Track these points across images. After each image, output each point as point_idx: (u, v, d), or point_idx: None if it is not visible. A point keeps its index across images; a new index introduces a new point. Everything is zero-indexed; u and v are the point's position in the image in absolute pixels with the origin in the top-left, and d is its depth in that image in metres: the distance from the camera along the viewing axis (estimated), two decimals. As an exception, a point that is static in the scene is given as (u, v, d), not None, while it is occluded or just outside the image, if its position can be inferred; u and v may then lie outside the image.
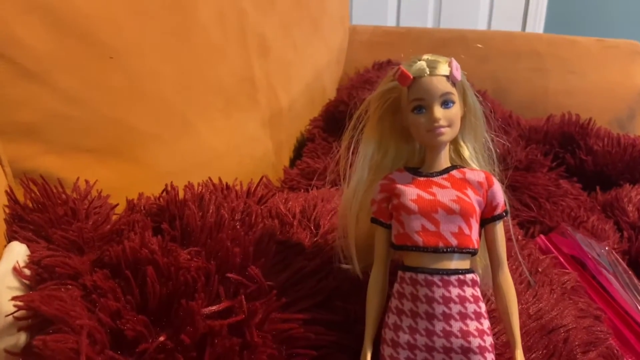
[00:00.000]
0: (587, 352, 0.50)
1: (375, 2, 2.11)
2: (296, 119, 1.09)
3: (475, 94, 0.42)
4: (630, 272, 0.71)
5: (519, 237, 0.64)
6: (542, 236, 0.74)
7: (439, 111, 0.39)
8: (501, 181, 0.42)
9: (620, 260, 0.73)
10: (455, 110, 0.39)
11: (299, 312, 0.42)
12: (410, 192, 0.39)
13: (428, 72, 0.39)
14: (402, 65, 0.40)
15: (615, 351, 0.54)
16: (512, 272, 0.53)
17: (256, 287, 0.42)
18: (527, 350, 0.46)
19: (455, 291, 0.37)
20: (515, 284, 0.51)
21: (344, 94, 1.11)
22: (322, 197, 0.59)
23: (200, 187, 0.55)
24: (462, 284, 0.38)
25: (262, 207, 0.53)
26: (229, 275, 0.42)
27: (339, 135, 1.11)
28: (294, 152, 1.08)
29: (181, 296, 0.40)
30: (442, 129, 0.39)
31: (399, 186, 0.40)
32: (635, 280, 0.70)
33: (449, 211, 0.38)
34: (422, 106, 0.39)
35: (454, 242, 0.38)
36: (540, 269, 0.57)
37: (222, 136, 0.79)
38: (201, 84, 0.75)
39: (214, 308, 0.40)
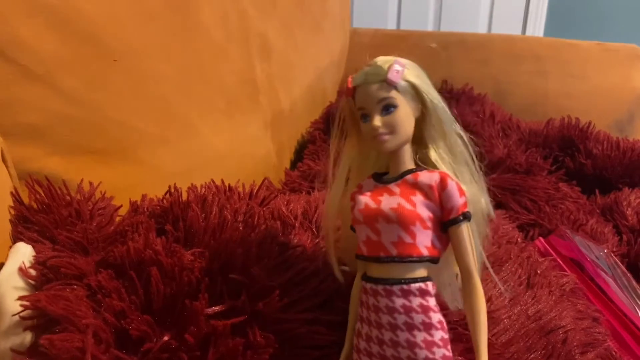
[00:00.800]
0: (586, 352, 0.50)
1: (376, 4, 2.11)
2: (297, 121, 1.10)
3: (435, 92, 0.40)
4: (629, 275, 0.71)
5: (519, 239, 0.65)
6: (541, 239, 0.75)
7: (377, 119, 0.38)
8: (485, 178, 0.41)
9: (619, 263, 0.73)
10: (400, 114, 0.38)
11: (301, 313, 0.43)
12: (361, 201, 0.39)
13: (364, 79, 0.38)
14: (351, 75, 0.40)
15: (614, 352, 0.54)
16: (512, 274, 0.54)
17: (259, 288, 0.42)
18: (526, 350, 0.47)
19: (399, 301, 0.36)
20: (514, 286, 0.52)
21: (345, 96, 1.11)
22: (323, 199, 0.59)
23: (203, 189, 0.55)
24: (406, 294, 0.37)
25: (264, 208, 0.54)
26: (232, 275, 0.42)
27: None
28: (295, 153, 1.09)
29: (185, 296, 0.41)
30: (384, 137, 0.38)
31: (357, 195, 0.40)
32: (634, 283, 0.70)
33: (388, 220, 0.37)
34: (366, 114, 0.39)
35: (393, 251, 0.37)
36: (539, 271, 0.57)
37: (224, 137, 0.80)
38: (203, 85, 0.76)
39: (217, 308, 0.41)
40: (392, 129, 0.38)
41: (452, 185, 0.38)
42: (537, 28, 2.16)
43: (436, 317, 0.37)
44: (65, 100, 0.54)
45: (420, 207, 0.37)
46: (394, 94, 0.38)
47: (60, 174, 0.54)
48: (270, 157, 0.95)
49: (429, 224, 0.38)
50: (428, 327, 0.36)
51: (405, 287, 0.37)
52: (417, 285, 0.37)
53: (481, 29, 2.17)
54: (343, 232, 0.44)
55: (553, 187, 0.91)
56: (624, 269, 0.72)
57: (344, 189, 0.43)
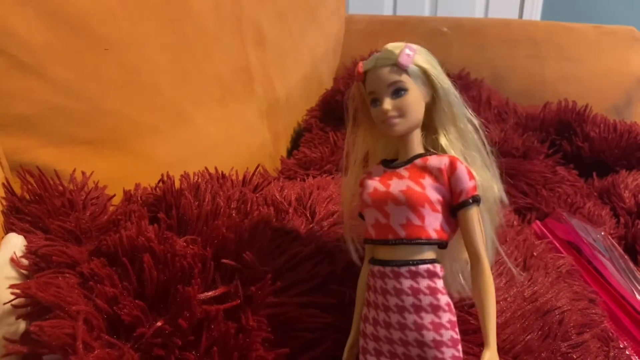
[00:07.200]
0: (582, 333, 0.50)
1: (372, -10, 2.10)
2: (293, 109, 1.09)
3: (445, 77, 0.40)
4: (626, 257, 0.71)
5: (514, 222, 0.64)
6: (537, 222, 0.74)
7: (387, 102, 0.38)
8: (496, 164, 0.41)
9: (616, 245, 0.73)
10: (410, 98, 0.38)
11: (294, 296, 0.43)
12: (370, 186, 0.39)
13: (375, 64, 0.39)
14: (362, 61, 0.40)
15: (610, 333, 0.54)
16: (508, 256, 0.53)
17: (251, 273, 0.42)
18: (522, 331, 0.47)
19: (406, 283, 0.36)
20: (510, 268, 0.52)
21: (341, 84, 1.11)
22: (318, 185, 0.59)
23: (196, 177, 0.55)
24: (414, 275, 0.36)
25: (257, 195, 0.53)
26: (225, 261, 0.42)
27: (336, 124, 1.10)
28: (291, 142, 1.09)
29: (178, 282, 0.41)
30: (394, 120, 0.38)
31: (366, 180, 0.40)
32: (631, 265, 0.70)
33: (397, 202, 0.37)
34: (376, 99, 0.39)
35: (402, 233, 0.37)
36: (535, 254, 0.57)
37: (218, 126, 0.79)
38: (197, 74, 0.75)
39: (210, 293, 0.41)
40: (401, 113, 0.38)
41: (461, 168, 0.38)
42: (534, 12, 2.15)
43: (444, 299, 0.36)
44: (56, 90, 0.53)
45: (429, 189, 0.37)
46: (404, 77, 0.38)
47: (53, 164, 0.54)
48: (266, 146, 0.95)
49: (439, 207, 0.37)
50: (436, 309, 0.36)
51: (413, 268, 0.36)
52: (425, 266, 0.37)
53: (478, 13, 2.16)
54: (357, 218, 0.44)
55: (550, 170, 0.91)
56: (621, 251, 0.72)
57: (360, 174, 0.43)
